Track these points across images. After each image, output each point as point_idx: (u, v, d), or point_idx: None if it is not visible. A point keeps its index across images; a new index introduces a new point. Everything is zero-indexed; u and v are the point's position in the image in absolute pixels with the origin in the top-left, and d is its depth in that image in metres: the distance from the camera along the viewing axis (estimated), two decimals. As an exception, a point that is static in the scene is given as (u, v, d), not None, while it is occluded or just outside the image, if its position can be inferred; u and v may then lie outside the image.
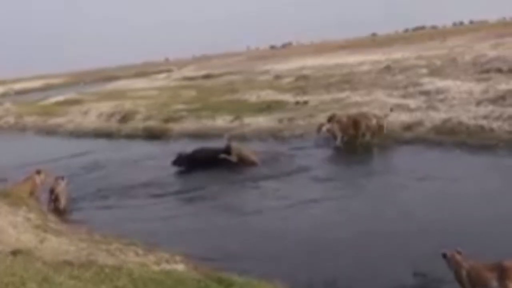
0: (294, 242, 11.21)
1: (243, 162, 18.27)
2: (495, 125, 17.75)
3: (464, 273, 8.07)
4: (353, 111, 21.26)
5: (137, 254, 10.38)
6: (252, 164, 18.22)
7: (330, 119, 19.54)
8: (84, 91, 52.87)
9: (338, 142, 19.16)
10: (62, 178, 15.59)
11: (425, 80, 27.01)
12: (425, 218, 11.50)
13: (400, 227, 11.25)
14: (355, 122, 19.30)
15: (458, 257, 8.14)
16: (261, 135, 22.52)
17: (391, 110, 20.20)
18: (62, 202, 15.15)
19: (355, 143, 19.15)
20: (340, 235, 11.33)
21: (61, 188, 15.27)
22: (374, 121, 19.25)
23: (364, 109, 21.70)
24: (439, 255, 8.23)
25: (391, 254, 9.98)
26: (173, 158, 18.68)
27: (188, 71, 67.65)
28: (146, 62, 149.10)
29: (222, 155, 18.40)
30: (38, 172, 15.52)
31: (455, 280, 8.17)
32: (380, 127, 19.17)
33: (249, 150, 19.19)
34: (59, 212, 14.76)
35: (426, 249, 9.39)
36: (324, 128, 19.28)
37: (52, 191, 15.18)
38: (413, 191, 13.61)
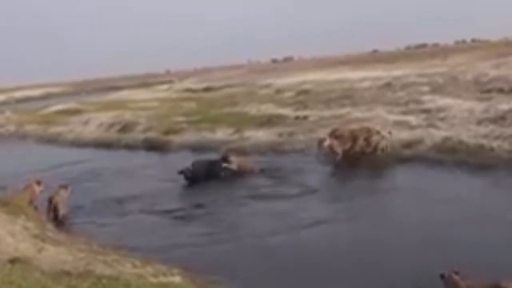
0: (292, 258, 11.19)
1: (243, 171, 18.48)
2: (495, 144, 17.74)
3: (462, 293, 8.07)
4: (355, 126, 21.24)
5: (134, 266, 10.37)
6: (251, 172, 18.48)
7: (332, 134, 19.53)
8: (85, 100, 52.90)
9: (338, 158, 19.17)
10: (65, 187, 15.60)
11: (426, 97, 27.01)
12: (423, 239, 11.45)
13: (397, 247, 11.23)
14: (354, 137, 19.35)
15: (455, 277, 8.15)
16: (261, 149, 22.51)
17: (390, 133, 20.00)
18: (61, 212, 15.13)
19: (354, 158, 19.16)
20: (336, 251, 11.34)
21: (60, 197, 15.25)
22: (374, 137, 19.30)
23: (366, 125, 21.66)
24: (436, 275, 8.23)
25: (389, 272, 9.95)
26: (183, 171, 18.50)
27: (189, 83, 67.68)
28: (148, 73, 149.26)
29: (224, 165, 18.46)
30: (38, 183, 15.53)
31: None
32: (379, 143, 19.22)
33: (247, 159, 19.33)
34: (57, 221, 14.75)
35: (423, 269, 9.38)
36: (325, 144, 19.27)
37: (50, 200, 15.17)
38: (410, 211, 13.53)
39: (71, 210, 15.70)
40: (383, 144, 19.26)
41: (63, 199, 15.29)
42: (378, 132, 19.60)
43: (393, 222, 12.95)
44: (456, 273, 8.18)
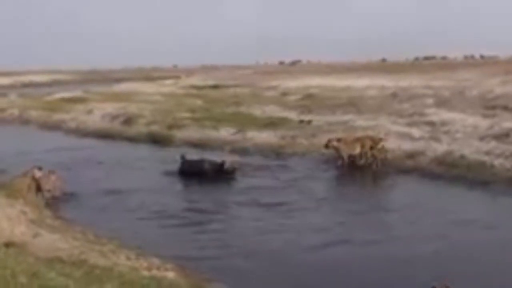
0: (285, 258, 11.22)
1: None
2: (496, 162, 17.69)
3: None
4: (358, 134, 21.24)
5: (128, 258, 10.39)
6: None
7: (339, 140, 19.53)
8: (91, 90, 52.88)
9: (341, 161, 19.18)
10: (53, 172, 15.73)
11: (431, 110, 27.02)
12: (417, 252, 11.47)
13: (389, 259, 11.22)
14: (361, 144, 19.38)
15: (446, 291, 8.15)
16: (263, 150, 22.55)
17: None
18: (47, 192, 15.22)
19: (356, 166, 19.16)
20: (331, 257, 11.36)
21: (47, 179, 15.34)
22: (379, 145, 19.32)
23: (369, 133, 21.68)
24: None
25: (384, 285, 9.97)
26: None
27: (196, 80, 67.67)
28: (155, 66, 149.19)
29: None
30: (39, 168, 15.61)
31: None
32: (382, 152, 19.25)
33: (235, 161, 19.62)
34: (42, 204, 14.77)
35: (417, 283, 9.40)
36: (332, 145, 19.27)
37: (36, 181, 15.28)
38: (405, 223, 13.51)
39: (68, 198, 15.74)
40: (384, 154, 19.27)
41: (48, 180, 15.36)
42: (382, 140, 19.63)
43: (386, 235, 12.88)
44: (447, 287, 8.17)
